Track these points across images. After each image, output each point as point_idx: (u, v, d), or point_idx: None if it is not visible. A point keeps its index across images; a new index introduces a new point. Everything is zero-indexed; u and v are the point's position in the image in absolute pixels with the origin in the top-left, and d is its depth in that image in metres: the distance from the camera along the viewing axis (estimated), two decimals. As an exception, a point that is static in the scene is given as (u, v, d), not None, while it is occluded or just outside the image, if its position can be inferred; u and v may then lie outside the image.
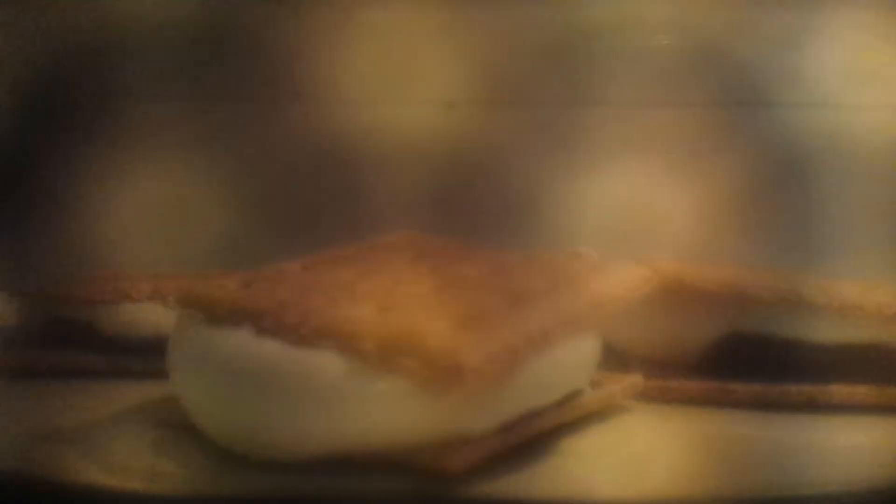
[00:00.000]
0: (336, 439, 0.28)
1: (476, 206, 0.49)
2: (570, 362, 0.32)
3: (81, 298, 0.40)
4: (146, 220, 0.47)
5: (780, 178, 0.48)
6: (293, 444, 0.28)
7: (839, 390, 0.35)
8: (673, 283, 0.36)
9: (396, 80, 0.47)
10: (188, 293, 0.31)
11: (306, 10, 0.48)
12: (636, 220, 0.46)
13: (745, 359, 0.36)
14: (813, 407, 0.34)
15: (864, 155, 0.47)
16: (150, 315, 0.39)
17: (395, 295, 0.30)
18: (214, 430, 0.29)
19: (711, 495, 0.26)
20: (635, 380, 0.35)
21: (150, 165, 0.47)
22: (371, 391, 0.27)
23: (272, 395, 0.28)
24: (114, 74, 0.48)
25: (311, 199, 0.50)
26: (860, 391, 0.35)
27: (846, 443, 0.31)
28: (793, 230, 0.48)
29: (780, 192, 0.48)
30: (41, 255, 0.47)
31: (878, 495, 0.26)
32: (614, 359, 0.36)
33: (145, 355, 0.37)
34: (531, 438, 0.30)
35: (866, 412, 0.34)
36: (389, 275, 0.32)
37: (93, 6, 0.48)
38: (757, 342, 0.36)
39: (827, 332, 0.35)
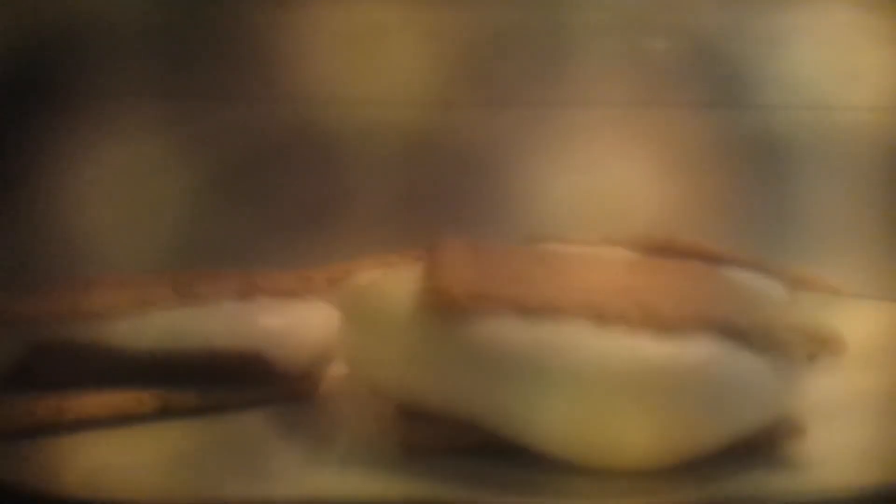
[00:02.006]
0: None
1: (475, 205, 0.49)
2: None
3: (96, 310, 0.32)
4: (120, 223, 0.45)
5: (771, 177, 0.48)
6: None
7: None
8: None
9: (394, 79, 0.47)
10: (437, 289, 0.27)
11: (301, 9, 0.48)
12: (629, 218, 0.45)
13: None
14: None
15: (852, 156, 0.47)
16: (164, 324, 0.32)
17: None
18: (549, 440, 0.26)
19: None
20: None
21: (126, 164, 0.46)
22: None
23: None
24: (95, 71, 0.47)
25: (303, 198, 0.49)
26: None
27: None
28: (779, 229, 0.48)
29: (769, 192, 0.48)
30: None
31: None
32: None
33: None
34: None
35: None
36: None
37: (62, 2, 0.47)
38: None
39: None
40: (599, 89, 0.48)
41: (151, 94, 0.47)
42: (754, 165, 0.48)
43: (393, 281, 0.30)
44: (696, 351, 0.25)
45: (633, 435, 0.25)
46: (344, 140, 0.48)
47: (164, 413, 0.30)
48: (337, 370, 0.33)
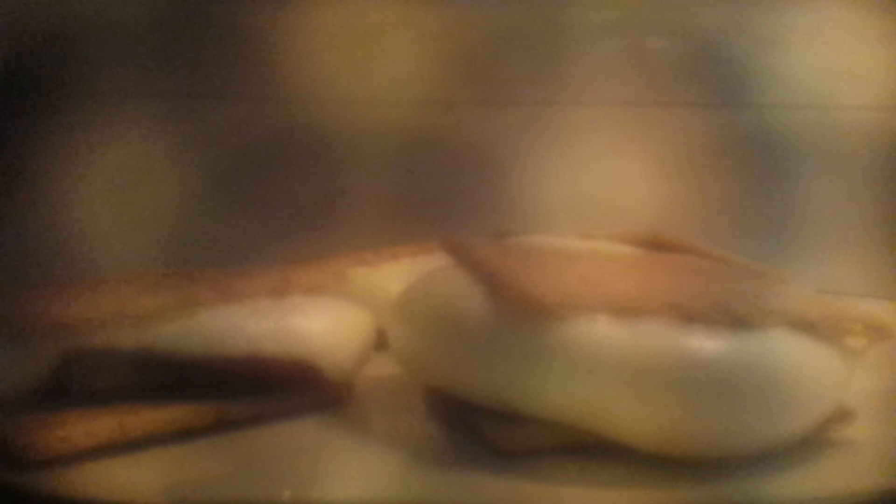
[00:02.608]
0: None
1: (474, 204, 0.49)
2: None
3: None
4: (119, 221, 0.45)
5: (771, 176, 0.49)
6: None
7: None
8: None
9: (394, 79, 0.47)
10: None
11: (301, 9, 0.47)
12: (628, 217, 0.45)
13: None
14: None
15: (853, 156, 0.48)
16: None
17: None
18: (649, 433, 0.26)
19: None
20: None
21: (126, 163, 0.46)
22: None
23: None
24: (95, 71, 0.46)
25: (302, 198, 0.49)
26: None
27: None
28: (779, 228, 0.48)
29: (769, 191, 0.49)
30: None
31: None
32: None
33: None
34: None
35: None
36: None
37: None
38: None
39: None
40: (599, 88, 0.48)
41: (151, 93, 0.47)
42: (754, 164, 0.49)
43: (443, 283, 0.30)
44: (776, 345, 0.27)
45: (725, 428, 0.26)
46: (343, 139, 0.48)
47: (220, 425, 0.29)
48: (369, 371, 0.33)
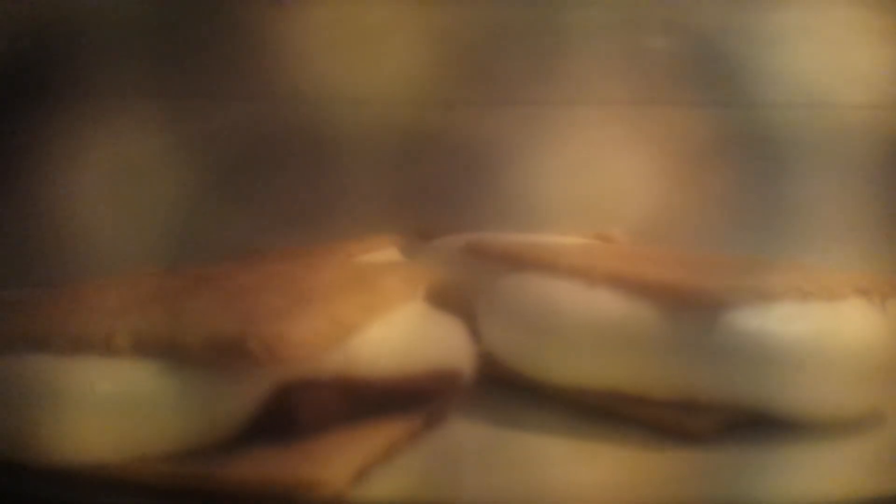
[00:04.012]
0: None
1: (474, 203, 0.49)
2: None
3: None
4: (118, 222, 0.45)
5: (771, 175, 0.49)
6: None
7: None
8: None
9: (394, 79, 0.47)
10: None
11: (301, 8, 0.47)
12: (628, 216, 0.46)
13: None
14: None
15: (853, 155, 0.48)
16: None
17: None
18: None
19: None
20: None
21: (125, 163, 0.46)
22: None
23: None
24: (94, 70, 0.47)
25: (302, 197, 0.50)
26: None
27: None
28: (779, 227, 0.49)
29: (767, 190, 0.49)
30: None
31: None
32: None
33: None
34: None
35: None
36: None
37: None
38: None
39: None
40: (598, 87, 0.48)
41: (151, 93, 0.47)
42: (754, 163, 0.49)
43: (570, 295, 0.32)
44: (872, 315, 0.30)
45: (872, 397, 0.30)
46: (343, 139, 0.48)
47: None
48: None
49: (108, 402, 0.25)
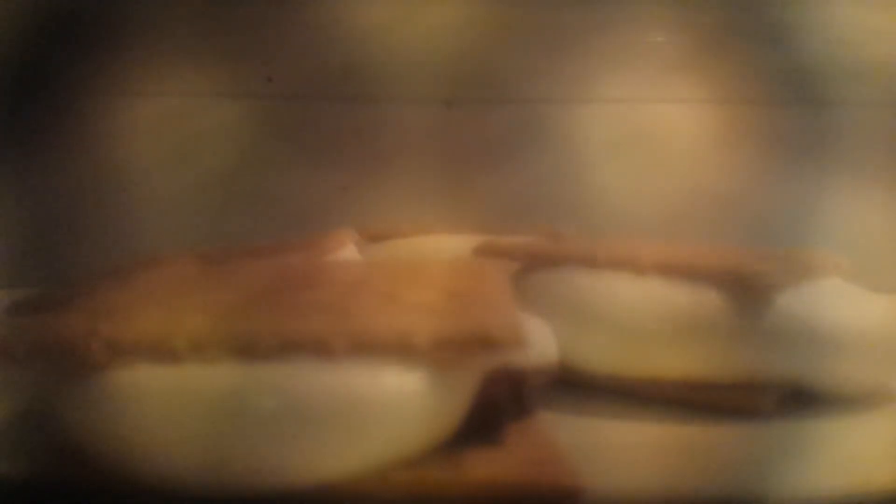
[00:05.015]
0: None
1: (474, 203, 0.49)
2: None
3: None
4: (121, 218, 0.44)
5: (770, 174, 0.49)
6: None
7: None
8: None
9: (393, 79, 0.47)
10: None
11: (301, 7, 0.45)
12: (631, 216, 0.46)
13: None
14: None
15: (856, 154, 0.48)
16: None
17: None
18: None
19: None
20: None
21: (125, 162, 0.45)
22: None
23: None
24: (94, 69, 0.46)
25: (302, 197, 0.48)
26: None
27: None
28: (782, 226, 0.49)
29: (770, 188, 0.49)
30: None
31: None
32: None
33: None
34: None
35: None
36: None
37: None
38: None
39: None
40: (597, 86, 0.49)
41: (151, 92, 0.46)
42: (757, 162, 0.49)
43: (630, 289, 0.32)
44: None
45: None
46: (343, 139, 0.47)
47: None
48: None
49: (374, 411, 0.23)
